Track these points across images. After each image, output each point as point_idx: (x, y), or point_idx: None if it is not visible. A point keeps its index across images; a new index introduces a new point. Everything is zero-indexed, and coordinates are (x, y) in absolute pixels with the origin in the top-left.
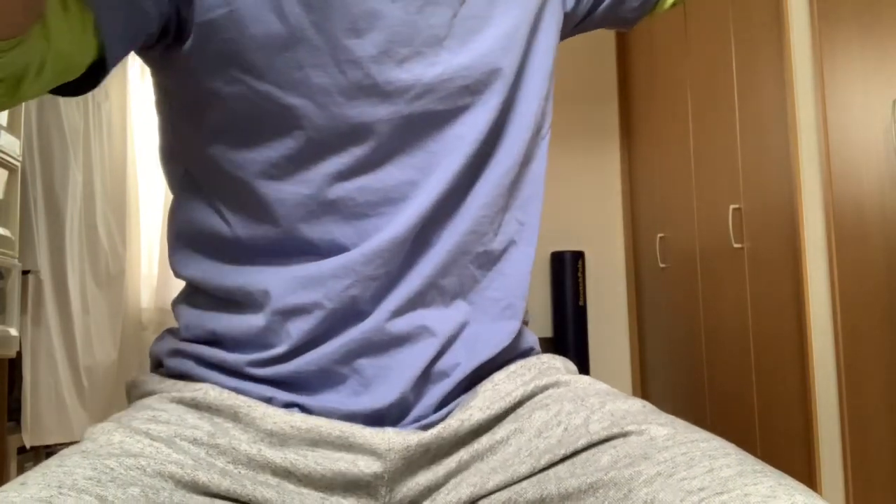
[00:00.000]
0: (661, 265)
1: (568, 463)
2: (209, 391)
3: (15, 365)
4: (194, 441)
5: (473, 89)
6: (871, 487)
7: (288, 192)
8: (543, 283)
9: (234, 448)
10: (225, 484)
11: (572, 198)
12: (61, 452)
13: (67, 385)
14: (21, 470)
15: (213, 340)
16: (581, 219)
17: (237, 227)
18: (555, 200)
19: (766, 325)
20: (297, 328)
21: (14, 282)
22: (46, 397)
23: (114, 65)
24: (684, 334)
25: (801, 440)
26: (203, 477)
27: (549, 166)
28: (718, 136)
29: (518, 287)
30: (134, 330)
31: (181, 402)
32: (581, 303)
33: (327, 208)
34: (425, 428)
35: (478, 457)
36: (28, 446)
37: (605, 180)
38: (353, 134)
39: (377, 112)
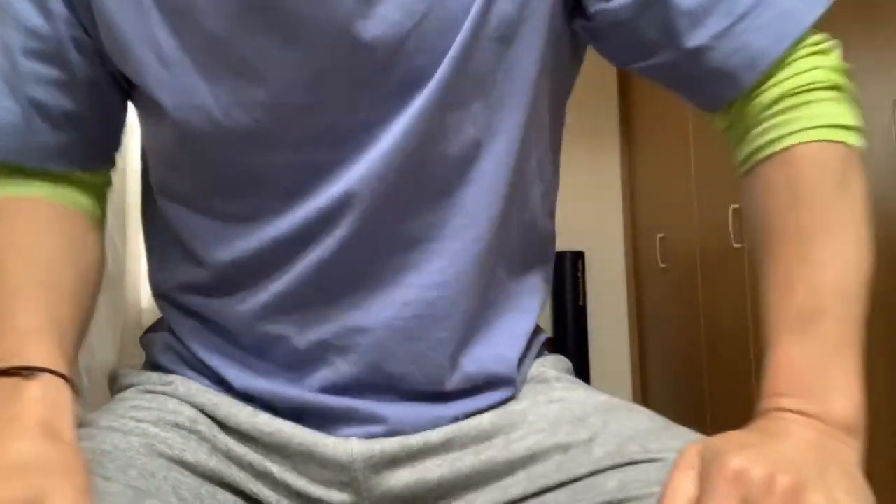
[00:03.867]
0: (661, 265)
1: (568, 489)
2: (178, 386)
3: None
4: (177, 425)
5: None
6: (871, 487)
7: None
8: None
9: (213, 436)
10: (212, 464)
11: (572, 198)
12: None
13: None
14: None
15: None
16: (581, 219)
17: None
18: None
19: None
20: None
21: None
22: None
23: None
24: (684, 334)
25: None
26: (191, 457)
27: None
28: (718, 136)
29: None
30: (134, 330)
31: (156, 392)
32: (581, 303)
33: None
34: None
35: (464, 477)
36: None
37: (605, 180)
38: None
39: None
